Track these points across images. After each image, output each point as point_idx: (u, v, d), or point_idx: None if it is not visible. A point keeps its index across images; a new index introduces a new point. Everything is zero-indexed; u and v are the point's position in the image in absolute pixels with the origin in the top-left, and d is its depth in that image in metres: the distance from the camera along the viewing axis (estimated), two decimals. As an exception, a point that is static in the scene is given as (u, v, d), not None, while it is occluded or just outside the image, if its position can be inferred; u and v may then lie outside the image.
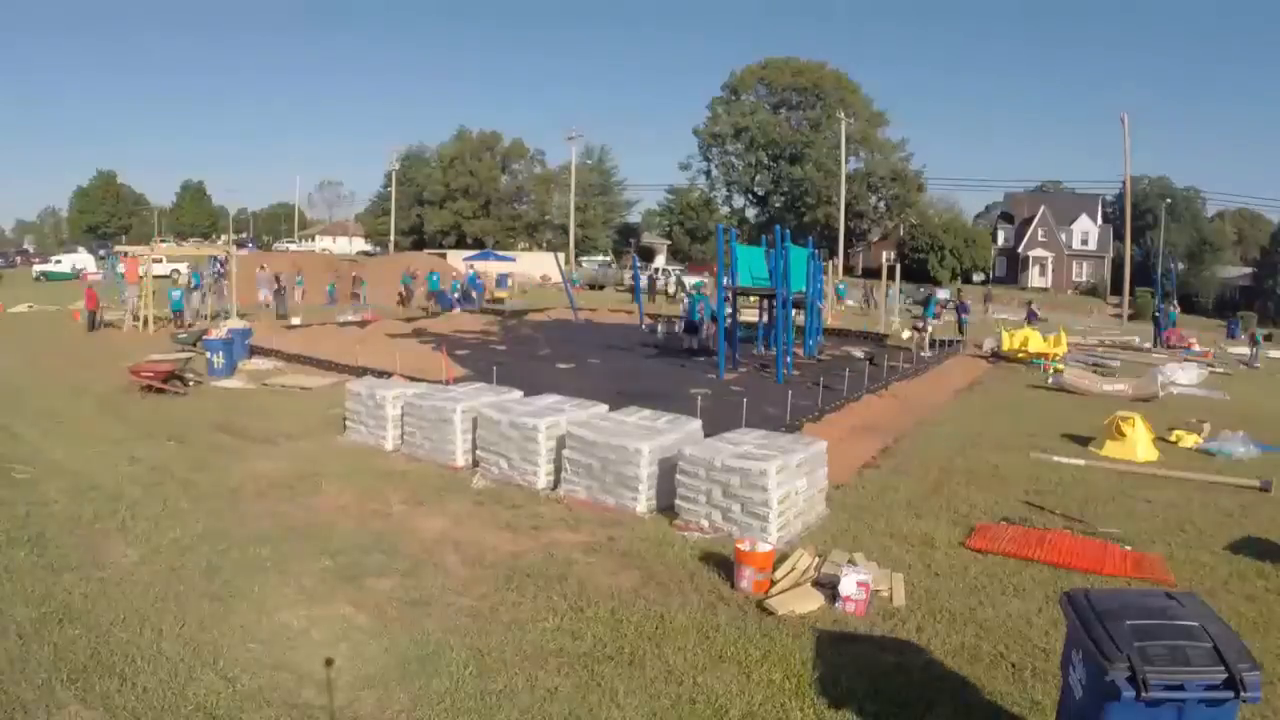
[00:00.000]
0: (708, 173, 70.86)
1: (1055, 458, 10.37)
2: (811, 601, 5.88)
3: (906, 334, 23.83)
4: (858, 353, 20.02)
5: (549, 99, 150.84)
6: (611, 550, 6.85)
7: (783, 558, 6.60)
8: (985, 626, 5.67)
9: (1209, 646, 3.54)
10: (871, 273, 49.96)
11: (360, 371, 14.93)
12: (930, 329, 22.75)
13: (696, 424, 8.71)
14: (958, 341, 22.91)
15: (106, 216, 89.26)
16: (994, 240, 69.29)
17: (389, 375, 13.19)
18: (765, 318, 19.68)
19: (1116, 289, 51.63)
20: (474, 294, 33.07)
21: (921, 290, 42.20)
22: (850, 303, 39.01)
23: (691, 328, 20.69)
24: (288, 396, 13.56)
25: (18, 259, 56.17)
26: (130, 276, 22.55)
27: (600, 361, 18.11)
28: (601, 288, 47.05)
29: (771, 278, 16.70)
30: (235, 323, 16.72)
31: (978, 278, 66.71)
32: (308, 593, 5.85)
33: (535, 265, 49.38)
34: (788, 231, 16.50)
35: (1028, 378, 17.70)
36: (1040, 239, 67.24)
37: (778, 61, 67.03)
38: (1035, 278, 66.60)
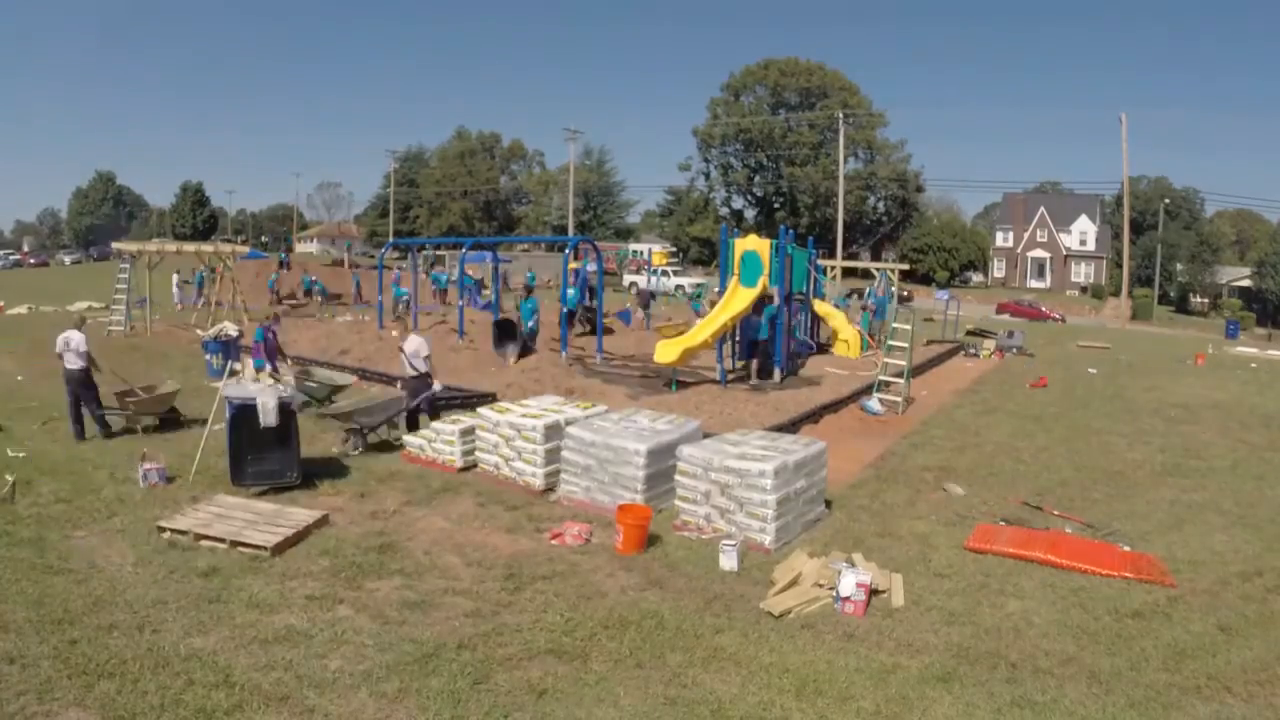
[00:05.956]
0: (706, 174, 70.93)
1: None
2: (811, 602, 5.88)
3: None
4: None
5: (548, 100, 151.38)
6: (610, 551, 6.85)
7: (783, 559, 6.61)
8: (985, 626, 5.67)
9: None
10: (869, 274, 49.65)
11: (360, 374, 14.94)
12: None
13: (696, 424, 8.70)
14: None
15: (105, 218, 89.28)
16: (993, 241, 69.40)
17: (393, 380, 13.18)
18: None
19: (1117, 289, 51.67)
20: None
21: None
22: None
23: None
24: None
25: None
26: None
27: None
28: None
29: (773, 278, 16.67)
30: (230, 327, 16.62)
31: (976, 278, 66.81)
32: (307, 594, 5.85)
33: (536, 267, 48.72)
34: (792, 232, 16.52)
35: (1031, 378, 17.68)
36: (1039, 240, 67.34)
37: (777, 62, 67.05)
38: (1034, 278, 66.69)
